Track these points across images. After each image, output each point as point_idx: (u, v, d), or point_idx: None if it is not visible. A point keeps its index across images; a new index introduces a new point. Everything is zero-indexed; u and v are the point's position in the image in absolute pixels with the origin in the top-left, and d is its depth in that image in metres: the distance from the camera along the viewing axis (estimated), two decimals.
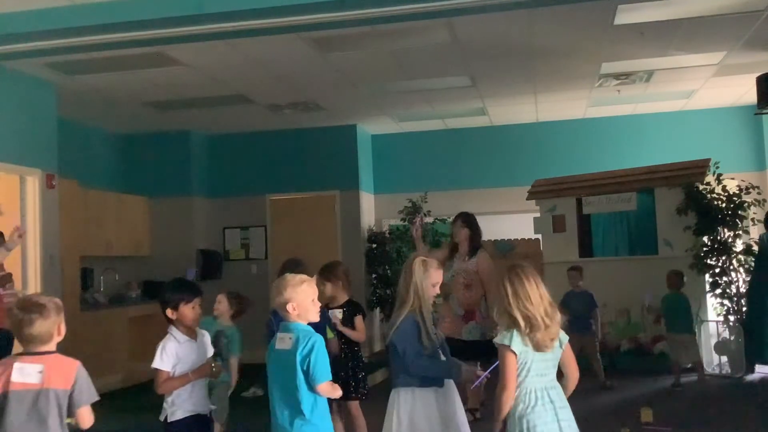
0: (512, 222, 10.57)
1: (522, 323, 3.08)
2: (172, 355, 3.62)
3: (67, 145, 8.57)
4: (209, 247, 10.82)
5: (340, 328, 4.88)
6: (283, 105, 9.62)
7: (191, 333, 3.74)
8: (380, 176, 11.68)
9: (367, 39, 7.06)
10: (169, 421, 3.66)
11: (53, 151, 7.94)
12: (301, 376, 3.20)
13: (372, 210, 11.56)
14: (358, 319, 4.99)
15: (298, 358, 3.20)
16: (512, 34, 7.08)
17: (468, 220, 6.25)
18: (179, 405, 3.66)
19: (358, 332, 4.97)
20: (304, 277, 3.39)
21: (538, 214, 9.60)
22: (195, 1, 5.81)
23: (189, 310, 3.68)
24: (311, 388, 3.22)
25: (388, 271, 10.77)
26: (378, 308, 10.87)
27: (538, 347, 3.09)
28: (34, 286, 7.37)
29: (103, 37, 6.19)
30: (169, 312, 3.67)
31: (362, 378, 4.97)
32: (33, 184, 7.61)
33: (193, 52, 7.17)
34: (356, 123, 10.95)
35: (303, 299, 3.29)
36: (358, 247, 10.85)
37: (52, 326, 2.95)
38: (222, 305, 5.38)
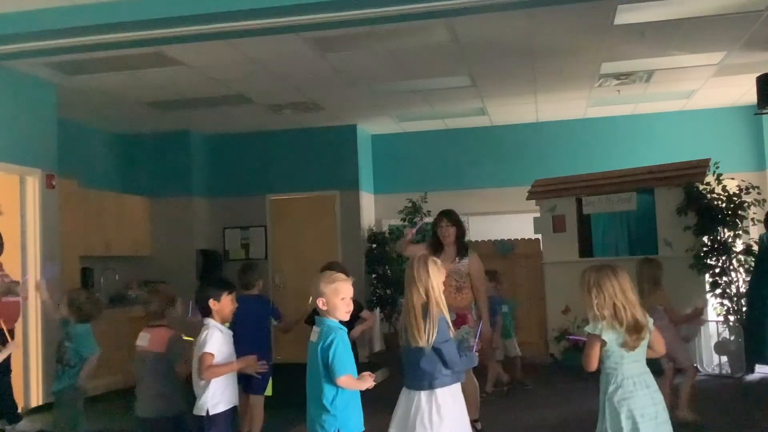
0: (512, 222, 10.57)
1: (609, 319, 3.39)
2: (218, 342, 3.95)
3: (67, 145, 8.58)
4: (209, 247, 10.82)
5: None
6: (283, 105, 9.62)
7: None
8: (380, 176, 11.68)
9: (367, 39, 7.06)
10: (211, 414, 3.90)
11: (53, 151, 7.94)
12: (321, 368, 3.35)
13: (372, 210, 11.56)
14: (365, 312, 5.47)
15: (320, 351, 3.37)
16: (512, 34, 7.08)
17: (454, 218, 5.84)
18: (220, 398, 3.93)
19: (369, 321, 5.52)
20: (339, 275, 3.53)
21: (538, 214, 9.59)
22: (195, 1, 5.82)
23: (229, 302, 4.09)
24: (332, 380, 3.33)
25: (388, 271, 10.78)
26: (378, 308, 10.87)
27: (625, 344, 3.38)
28: (34, 286, 7.36)
29: (103, 37, 6.20)
30: (212, 303, 4.03)
31: None
32: (33, 184, 7.61)
33: (193, 52, 7.17)
34: (356, 123, 10.95)
35: (332, 296, 3.43)
36: (358, 247, 10.85)
37: (162, 306, 4.40)
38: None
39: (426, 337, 3.63)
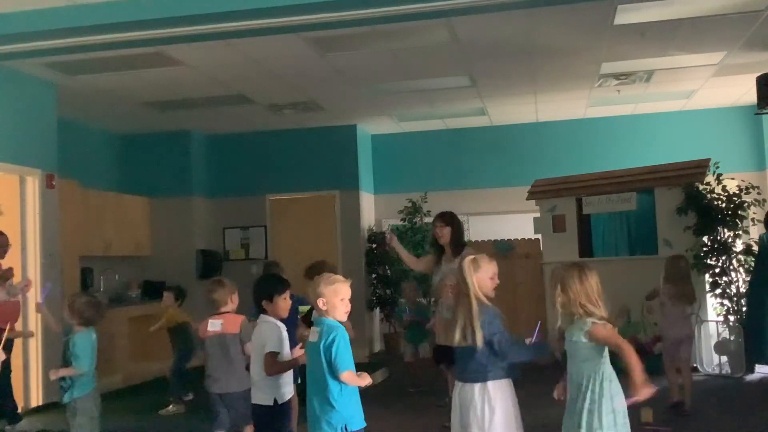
0: (512, 222, 10.57)
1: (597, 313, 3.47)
2: (279, 340, 4.06)
3: (67, 145, 8.58)
4: (209, 247, 10.82)
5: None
6: (283, 105, 9.62)
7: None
8: (380, 176, 11.68)
9: (367, 39, 7.06)
10: (280, 402, 4.09)
11: (53, 151, 7.94)
12: (325, 365, 3.48)
13: (372, 210, 11.56)
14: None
15: (322, 349, 3.49)
16: (512, 34, 7.08)
17: (447, 219, 5.93)
18: (286, 387, 4.14)
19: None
20: (338, 277, 3.66)
21: (538, 214, 9.59)
22: (195, 1, 5.82)
23: (282, 301, 4.16)
24: (335, 376, 3.46)
25: (388, 271, 10.78)
26: (378, 308, 10.88)
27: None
28: (34, 286, 7.35)
29: (103, 37, 6.20)
30: (265, 303, 4.13)
31: None
32: (33, 184, 7.61)
33: (193, 52, 7.17)
34: (356, 123, 10.95)
35: (331, 296, 3.56)
36: (357, 247, 10.85)
37: (226, 295, 4.93)
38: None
39: (474, 332, 3.67)
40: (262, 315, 4.17)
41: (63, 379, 4.78)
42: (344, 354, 3.47)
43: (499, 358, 3.68)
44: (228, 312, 4.96)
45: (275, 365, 4.04)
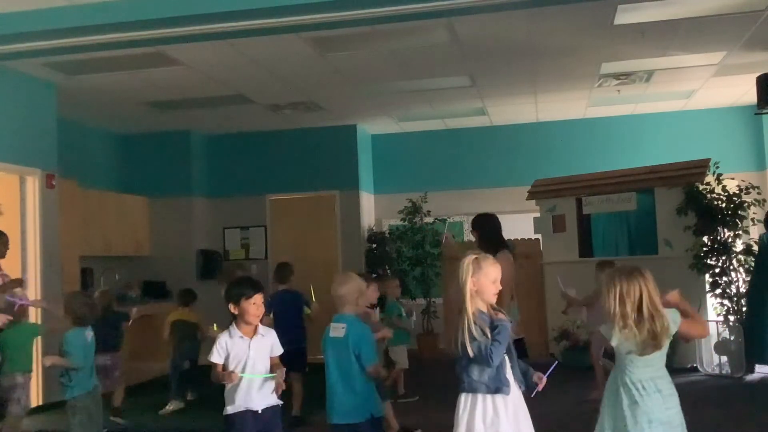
0: (512, 222, 10.53)
1: (619, 320, 3.25)
2: (222, 348, 3.85)
3: (67, 145, 8.58)
4: (209, 247, 10.82)
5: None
6: (283, 105, 9.62)
7: (248, 330, 3.89)
8: (380, 176, 11.68)
9: (367, 39, 7.06)
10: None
11: (53, 151, 7.94)
12: (353, 358, 3.82)
13: (372, 210, 11.56)
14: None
15: (351, 344, 3.82)
16: (512, 34, 7.08)
17: (474, 223, 5.91)
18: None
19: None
20: (357, 277, 4.02)
21: (538, 214, 9.59)
22: (195, 1, 5.82)
23: (250, 306, 3.86)
24: (362, 369, 3.82)
25: (388, 272, 10.77)
26: (378, 308, 10.86)
27: (637, 352, 3.25)
28: (33, 286, 7.37)
29: (103, 37, 6.20)
30: (231, 307, 3.89)
31: None
32: (33, 184, 7.60)
33: (193, 52, 7.17)
34: (356, 123, 10.95)
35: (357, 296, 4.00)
36: (358, 247, 10.85)
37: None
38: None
39: (458, 338, 3.38)
40: (231, 322, 4.00)
41: (62, 375, 4.80)
42: (372, 349, 3.86)
43: (477, 370, 3.36)
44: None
45: (215, 374, 3.86)
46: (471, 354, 3.33)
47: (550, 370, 3.54)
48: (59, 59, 7.12)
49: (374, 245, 10.87)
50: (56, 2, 5.89)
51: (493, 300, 3.47)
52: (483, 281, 3.42)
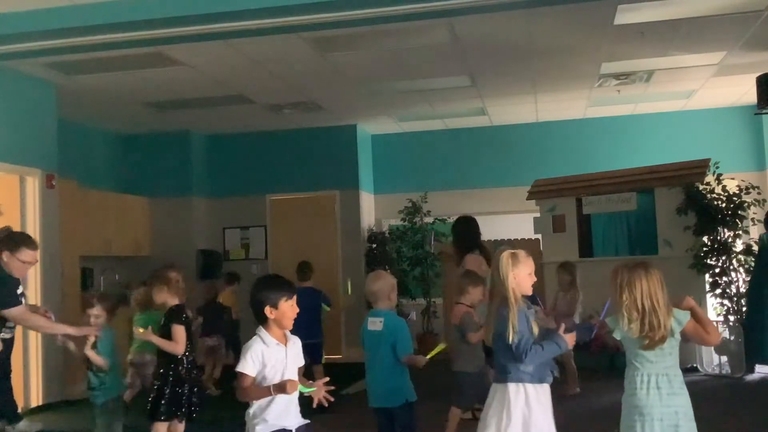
0: (512, 222, 10.56)
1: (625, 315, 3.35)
2: (257, 358, 3.27)
3: (67, 145, 8.58)
4: (209, 247, 10.82)
5: (141, 335, 4.73)
6: (283, 105, 9.62)
7: (281, 336, 3.37)
8: (380, 176, 11.68)
9: (367, 39, 7.06)
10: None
11: (53, 151, 7.94)
12: (389, 349, 4.19)
13: (372, 210, 11.56)
14: (175, 328, 4.57)
15: (389, 336, 4.19)
16: (512, 34, 7.08)
17: (453, 225, 6.21)
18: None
19: (173, 343, 4.59)
20: (386, 273, 4.39)
21: (538, 214, 9.59)
22: (195, 1, 5.82)
23: (289, 308, 3.35)
24: (398, 358, 4.18)
25: (389, 272, 10.77)
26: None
27: (640, 346, 3.34)
28: (34, 286, 7.37)
29: (103, 37, 6.20)
30: (267, 311, 3.30)
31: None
32: (33, 184, 7.61)
33: (193, 52, 7.18)
34: (356, 123, 10.95)
35: (392, 292, 4.32)
36: (358, 247, 10.85)
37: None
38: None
39: (502, 330, 3.53)
40: (258, 328, 3.37)
41: (96, 375, 4.85)
42: (408, 340, 4.23)
43: (519, 361, 3.50)
44: (460, 303, 5.32)
45: (244, 390, 3.29)
46: (511, 343, 3.49)
47: (605, 309, 3.64)
48: (59, 59, 7.12)
49: (374, 245, 10.87)
50: (56, 2, 5.89)
51: (530, 292, 3.66)
52: (522, 274, 3.61)
